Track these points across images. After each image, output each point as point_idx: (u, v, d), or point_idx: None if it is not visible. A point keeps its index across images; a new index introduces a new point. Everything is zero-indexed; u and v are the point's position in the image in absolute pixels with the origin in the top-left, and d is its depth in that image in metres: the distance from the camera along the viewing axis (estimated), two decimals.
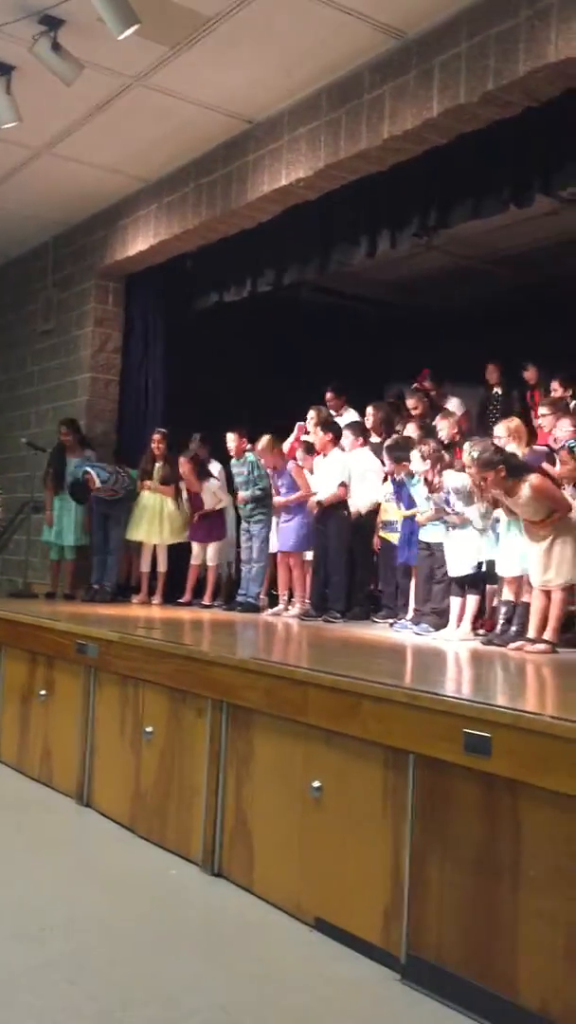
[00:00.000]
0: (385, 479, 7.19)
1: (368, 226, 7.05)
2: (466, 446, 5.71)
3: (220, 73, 6.59)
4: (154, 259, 8.92)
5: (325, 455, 7.36)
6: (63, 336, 9.88)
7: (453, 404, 7.92)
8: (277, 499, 7.44)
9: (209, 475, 8.13)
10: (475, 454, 5.37)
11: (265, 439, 7.42)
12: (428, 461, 6.14)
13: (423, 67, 5.86)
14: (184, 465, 8.04)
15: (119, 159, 8.10)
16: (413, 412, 7.51)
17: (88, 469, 8.09)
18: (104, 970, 3.14)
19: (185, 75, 6.61)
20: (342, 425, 7.68)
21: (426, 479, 6.15)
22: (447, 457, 6.16)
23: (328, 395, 8.38)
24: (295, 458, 7.73)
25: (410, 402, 7.51)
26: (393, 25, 5.90)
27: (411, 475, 6.39)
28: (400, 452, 6.55)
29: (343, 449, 7.42)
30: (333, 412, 8.28)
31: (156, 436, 8.44)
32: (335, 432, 7.35)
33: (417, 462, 6.22)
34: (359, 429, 7.71)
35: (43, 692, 5.63)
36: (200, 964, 3.25)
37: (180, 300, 9.20)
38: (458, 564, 5.99)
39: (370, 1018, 2.92)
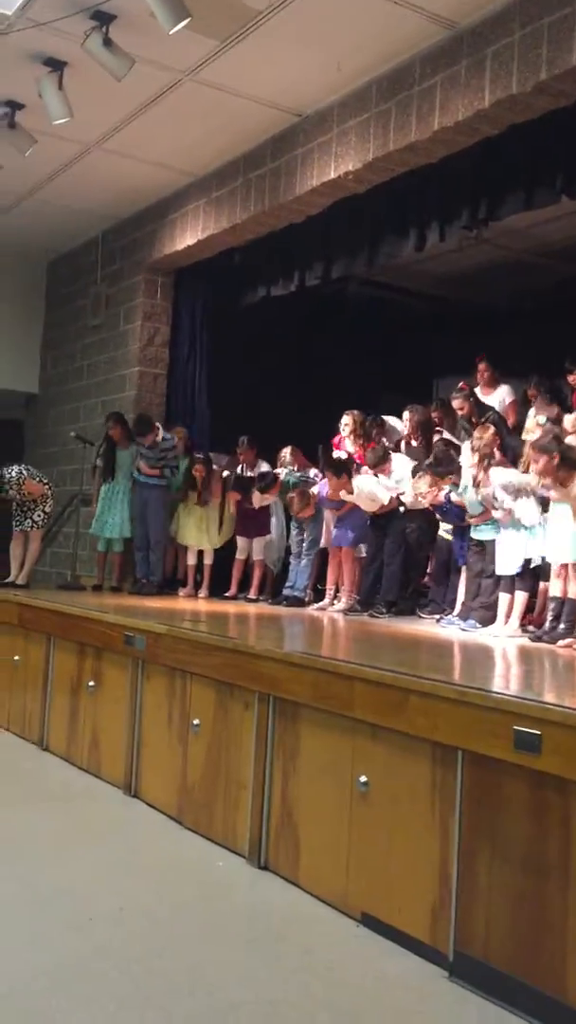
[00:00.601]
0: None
1: (417, 219, 7.00)
2: (531, 413, 5.65)
3: (270, 67, 6.58)
4: (202, 253, 8.94)
5: (351, 495, 7.33)
6: (112, 331, 9.96)
7: (503, 391, 7.83)
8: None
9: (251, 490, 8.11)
10: (538, 435, 5.37)
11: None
12: (476, 455, 6.08)
13: (475, 57, 5.79)
14: (231, 497, 8.19)
15: (169, 154, 8.13)
16: (460, 412, 7.45)
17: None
18: (151, 960, 3.16)
19: (235, 69, 6.61)
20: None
21: (474, 478, 6.09)
22: (497, 455, 6.11)
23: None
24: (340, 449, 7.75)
25: (456, 402, 7.46)
26: (445, 15, 5.84)
27: (455, 484, 6.34)
28: (444, 468, 6.49)
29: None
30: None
31: (197, 464, 8.33)
32: (348, 473, 7.28)
33: (466, 455, 6.16)
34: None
35: (91, 683, 5.68)
36: (246, 956, 3.26)
37: (228, 295, 9.22)
38: (506, 563, 5.94)
39: (418, 1015, 2.91)
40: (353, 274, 8.58)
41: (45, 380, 11.27)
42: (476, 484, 6.09)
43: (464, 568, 6.56)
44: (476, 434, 6.32)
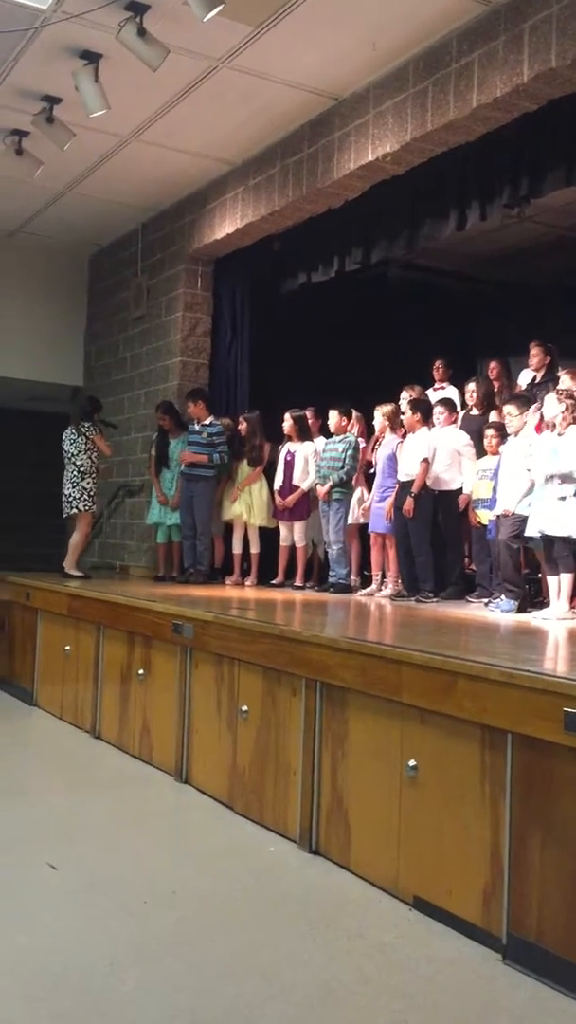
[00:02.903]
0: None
1: (457, 199, 6.92)
2: None
3: (305, 50, 6.54)
4: (242, 242, 8.94)
5: (413, 433, 7.29)
6: (154, 322, 10.01)
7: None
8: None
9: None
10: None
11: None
12: (564, 404, 5.87)
13: (513, 32, 5.70)
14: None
15: (205, 143, 8.13)
16: (533, 361, 7.46)
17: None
18: (205, 943, 3.19)
19: (270, 54, 6.59)
20: (436, 400, 7.62)
21: (553, 425, 5.91)
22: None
23: (437, 364, 8.44)
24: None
25: (534, 351, 7.41)
26: None
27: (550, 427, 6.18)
28: (525, 402, 6.42)
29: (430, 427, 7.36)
30: (437, 383, 8.26)
31: (240, 419, 8.51)
32: (423, 411, 7.27)
33: (551, 405, 5.96)
34: (451, 406, 7.62)
35: (141, 671, 5.74)
36: (299, 940, 3.28)
37: (268, 282, 9.21)
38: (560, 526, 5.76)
39: (472, 997, 2.90)
40: (393, 257, 8.53)
41: (89, 373, 11.37)
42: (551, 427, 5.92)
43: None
44: (565, 382, 6.23)
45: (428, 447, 7.05)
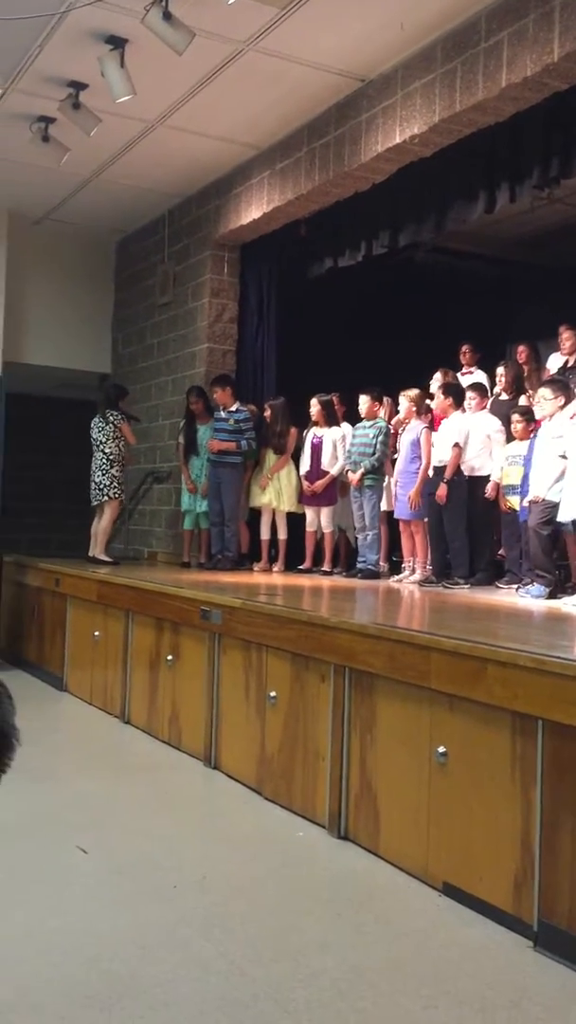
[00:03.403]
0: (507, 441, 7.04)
1: (486, 180, 6.84)
2: None
3: (331, 32, 6.48)
4: (268, 226, 8.90)
5: (446, 418, 7.25)
6: (180, 308, 10.00)
7: None
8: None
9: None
10: None
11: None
12: None
13: (543, 9, 5.61)
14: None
15: (231, 127, 8.09)
16: (566, 344, 7.35)
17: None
18: (235, 927, 3.20)
19: (296, 36, 6.53)
20: (467, 385, 7.56)
21: None
22: None
23: (465, 348, 8.32)
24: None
25: (565, 334, 7.31)
26: None
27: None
28: (562, 386, 6.35)
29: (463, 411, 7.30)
30: (465, 367, 8.22)
31: (265, 405, 8.49)
32: (456, 396, 7.22)
33: None
34: (482, 391, 7.56)
35: (170, 657, 5.76)
36: (329, 925, 3.28)
37: (294, 267, 9.17)
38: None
39: (503, 984, 2.89)
40: (421, 241, 8.44)
41: (117, 360, 11.39)
42: None
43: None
44: None
45: (460, 432, 7.00)
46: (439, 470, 7.04)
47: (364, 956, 3.02)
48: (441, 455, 7.06)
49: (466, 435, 7.02)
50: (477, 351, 8.51)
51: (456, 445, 6.93)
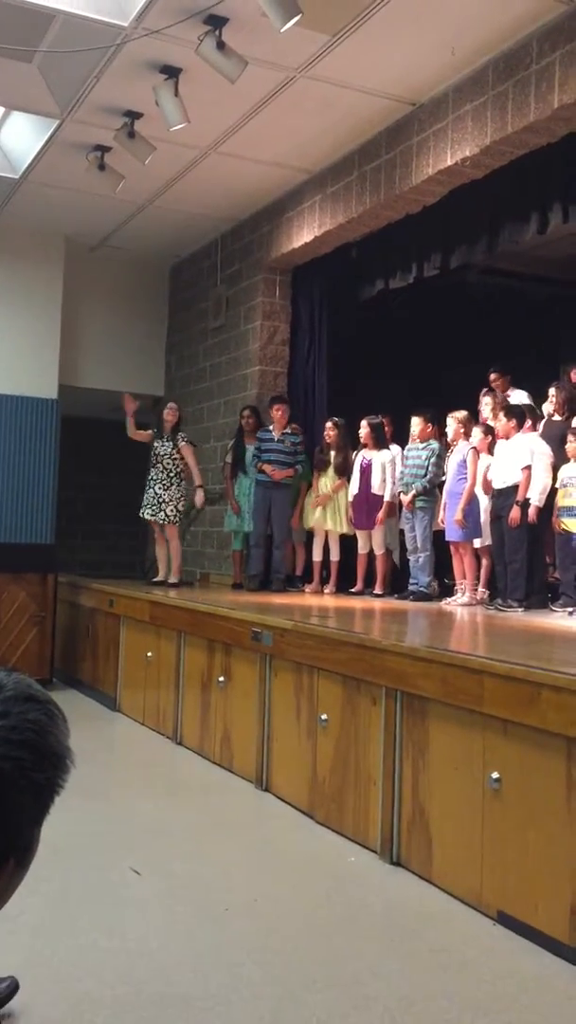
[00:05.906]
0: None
1: (538, 201, 6.82)
2: None
3: (382, 57, 6.53)
4: (319, 250, 8.96)
5: (507, 440, 7.17)
6: (233, 331, 10.09)
7: None
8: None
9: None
10: None
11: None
12: None
13: None
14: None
15: (283, 152, 8.17)
16: None
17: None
18: (286, 952, 3.19)
19: (347, 62, 6.59)
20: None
21: None
22: None
23: (493, 376, 8.21)
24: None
25: None
26: None
27: None
28: None
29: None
30: (500, 392, 8.15)
31: (328, 425, 8.49)
32: (518, 417, 7.14)
33: None
34: (530, 412, 7.48)
35: (221, 679, 5.78)
36: (381, 952, 3.25)
37: (345, 290, 9.21)
38: None
39: (557, 1016, 2.83)
40: (472, 263, 8.42)
41: (170, 383, 11.51)
42: None
43: None
44: None
45: (529, 452, 6.92)
46: (502, 491, 6.96)
47: (416, 985, 2.98)
48: (505, 476, 6.97)
49: (532, 455, 6.94)
50: (506, 373, 8.30)
51: (527, 467, 6.85)
